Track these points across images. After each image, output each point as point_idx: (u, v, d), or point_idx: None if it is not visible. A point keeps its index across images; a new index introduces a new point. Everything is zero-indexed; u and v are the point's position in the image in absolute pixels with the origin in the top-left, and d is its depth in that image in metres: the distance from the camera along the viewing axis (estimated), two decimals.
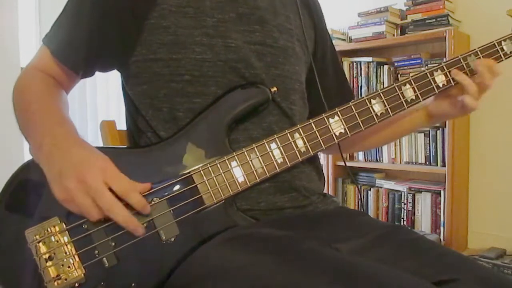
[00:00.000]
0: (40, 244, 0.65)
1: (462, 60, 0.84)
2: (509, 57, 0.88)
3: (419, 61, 2.42)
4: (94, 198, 0.62)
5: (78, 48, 0.77)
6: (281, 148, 0.73)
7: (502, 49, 0.86)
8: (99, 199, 0.62)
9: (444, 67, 0.83)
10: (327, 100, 0.85)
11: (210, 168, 0.70)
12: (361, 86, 2.64)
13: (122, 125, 0.91)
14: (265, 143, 0.73)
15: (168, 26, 0.74)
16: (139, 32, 0.74)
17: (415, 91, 0.81)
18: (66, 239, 0.66)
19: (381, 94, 0.79)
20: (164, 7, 0.74)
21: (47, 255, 0.65)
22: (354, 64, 2.67)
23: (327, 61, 0.95)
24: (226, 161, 0.71)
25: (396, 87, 0.80)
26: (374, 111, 0.79)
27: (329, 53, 0.97)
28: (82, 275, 0.65)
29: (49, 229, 0.65)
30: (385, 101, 0.79)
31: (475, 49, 0.85)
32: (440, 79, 0.83)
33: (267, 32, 0.79)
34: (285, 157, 0.73)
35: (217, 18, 0.75)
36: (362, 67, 2.63)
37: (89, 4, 0.76)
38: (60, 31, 0.79)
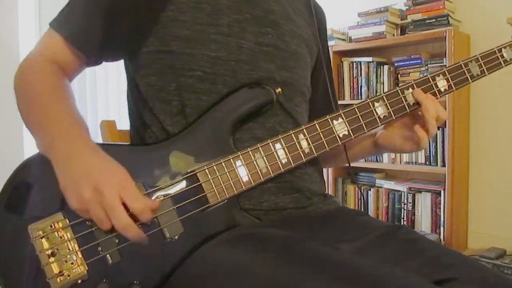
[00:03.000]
0: (43, 239, 0.65)
1: (463, 66, 0.85)
2: (509, 64, 0.88)
3: (419, 61, 2.42)
4: (108, 213, 0.62)
5: (94, 35, 0.75)
6: (285, 148, 0.74)
7: (502, 56, 0.87)
8: (113, 216, 0.62)
9: (446, 72, 0.84)
10: (311, 108, 0.87)
11: (215, 167, 0.70)
12: (361, 86, 2.64)
13: (122, 125, 0.91)
14: (270, 143, 0.73)
15: (185, 20, 0.74)
16: (154, 23, 0.74)
17: None
18: (69, 235, 0.65)
19: (384, 97, 0.80)
20: (182, 0, 0.74)
21: (49, 251, 0.64)
22: (354, 64, 2.67)
23: (322, 72, 0.96)
24: (231, 160, 0.71)
25: (399, 90, 0.81)
26: (377, 114, 0.79)
27: (325, 66, 0.97)
28: (85, 271, 0.65)
29: (52, 225, 0.65)
30: (388, 104, 0.80)
31: (476, 56, 0.86)
32: (442, 83, 0.83)
33: (279, 36, 0.80)
34: (289, 157, 0.74)
35: (233, 18, 0.76)
36: (362, 67, 2.63)
37: None
38: (73, 17, 0.77)
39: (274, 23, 0.80)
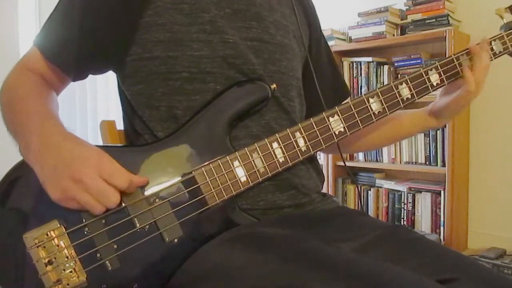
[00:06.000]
0: (39, 248, 0.63)
1: (455, 60, 0.85)
2: (498, 56, 0.89)
3: (419, 61, 2.42)
4: (97, 197, 0.62)
5: (70, 48, 0.75)
6: (282, 147, 0.73)
7: (492, 49, 0.88)
8: (103, 198, 0.62)
9: (439, 66, 0.85)
10: (324, 99, 0.86)
11: (212, 168, 0.70)
12: (361, 86, 2.64)
13: (122, 125, 0.91)
14: (267, 142, 0.73)
15: (163, 23, 0.73)
16: (134, 31, 0.73)
17: (410, 90, 0.83)
18: (66, 243, 0.64)
19: (378, 93, 0.80)
20: (159, 4, 0.73)
21: (46, 260, 0.63)
22: (354, 64, 2.67)
23: (323, 60, 0.95)
24: (229, 161, 0.71)
25: (393, 86, 0.82)
26: (372, 110, 0.79)
27: (325, 53, 0.97)
28: (84, 279, 0.64)
29: (48, 233, 0.64)
30: (382, 100, 0.80)
31: (467, 49, 0.86)
32: (434, 78, 0.84)
33: (263, 29, 0.79)
34: (287, 156, 0.73)
35: (214, 13, 0.75)
36: (362, 67, 2.63)
37: (81, 4, 0.75)
38: (51, 31, 0.77)
39: (257, 15, 0.78)
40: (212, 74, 0.74)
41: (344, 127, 0.77)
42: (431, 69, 0.84)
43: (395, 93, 0.81)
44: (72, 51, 0.75)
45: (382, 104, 0.80)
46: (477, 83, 0.83)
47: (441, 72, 0.85)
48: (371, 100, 0.80)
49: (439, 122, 0.93)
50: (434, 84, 0.84)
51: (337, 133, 0.77)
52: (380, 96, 0.80)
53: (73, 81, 0.81)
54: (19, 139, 0.69)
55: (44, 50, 0.76)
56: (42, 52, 0.76)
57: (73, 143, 0.66)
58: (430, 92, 0.85)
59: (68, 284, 0.64)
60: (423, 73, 0.84)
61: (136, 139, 0.80)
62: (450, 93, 0.87)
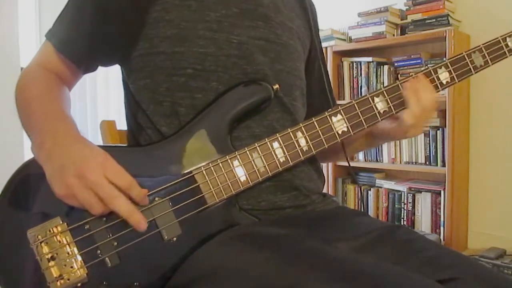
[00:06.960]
0: (42, 244, 0.65)
1: (466, 57, 0.82)
2: None
3: (419, 61, 2.42)
4: (95, 191, 0.62)
5: (82, 42, 0.77)
6: (283, 147, 0.73)
7: (507, 45, 0.84)
8: (101, 191, 0.62)
9: (449, 64, 0.82)
10: (308, 102, 0.87)
11: (212, 168, 0.70)
12: (361, 86, 2.64)
13: (122, 125, 0.91)
14: (268, 142, 0.72)
15: (171, 19, 0.74)
16: (141, 26, 0.74)
17: None
18: (68, 239, 0.65)
19: (384, 92, 0.79)
20: (167, 0, 0.74)
21: (49, 255, 0.65)
22: (354, 64, 2.67)
23: (315, 65, 0.96)
24: (228, 160, 0.71)
25: (399, 85, 0.80)
26: (377, 109, 0.78)
27: (319, 59, 0.97)
28: (85, 275, 0.65)
29: (51, 229, 0.65)
30: (388, 99, 0.79)
31: (479, 46, 0.83)
32: (444, 76, 0.82)
33: (270, 29, 0.80)
34: (287, 156, 0.73)
35: (221, 13, 0.76)
36: (362, 67, 2.63)
37: (91, 0, 0.76)
38: (63, 26, 0.80)
39: (264, 16, 0.79)
40: (216, 73, 0.74)
41: (347, 127, 0.76)
42: (440, 67, 0.82)
43: (401, 92, 0.79)
44: (82, 44, 0.78)
45: (388, 103, 0.79)
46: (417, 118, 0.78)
47: (452, 70, 0.81)
48: (376, 99, 0.78)
49: (376, 144, 0.90)
50: (444, 82, 0.81)
51: (340, 132, 0.76)
52: (386, 95, 0.79)
53: (84, 73, 0.84)
54: (33, 137, 0.71)
55: (55, 43, 0.79)
56: (53, 45, 0.79)
57: (83, 145, 0.67)
58: (439, 91, 0.82)
59: (69, 280, 0.65)
60: (432, 71, 0.81)
61: (139, 133, 0.80)
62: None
